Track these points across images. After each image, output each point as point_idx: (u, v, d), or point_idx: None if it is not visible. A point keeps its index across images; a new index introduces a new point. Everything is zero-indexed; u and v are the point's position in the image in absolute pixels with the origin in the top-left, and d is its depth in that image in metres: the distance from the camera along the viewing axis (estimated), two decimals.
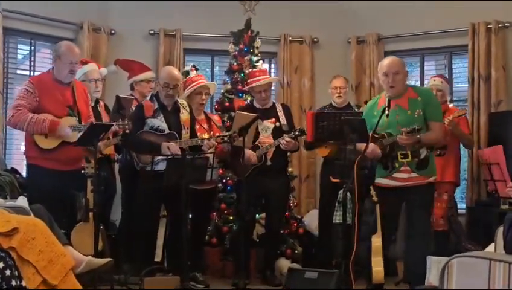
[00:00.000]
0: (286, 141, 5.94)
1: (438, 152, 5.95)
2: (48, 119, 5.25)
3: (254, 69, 6.51)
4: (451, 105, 6.63)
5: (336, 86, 6.70)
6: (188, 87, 6.25)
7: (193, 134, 5.84)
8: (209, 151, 5.68)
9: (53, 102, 5.36)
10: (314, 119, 5.89)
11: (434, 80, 6.55)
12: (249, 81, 6.41)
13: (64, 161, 5.33)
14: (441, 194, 6.22)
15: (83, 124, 5.36)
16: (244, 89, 6.82)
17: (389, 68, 5.17)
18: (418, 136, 4.99)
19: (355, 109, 6.74)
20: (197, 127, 6.03)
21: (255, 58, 7.01)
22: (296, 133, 5.96)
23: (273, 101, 6.61)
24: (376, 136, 5.15)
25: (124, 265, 5.79)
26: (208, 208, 6.33)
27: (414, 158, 5.12)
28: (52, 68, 5.51)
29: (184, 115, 5.81)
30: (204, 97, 6.31)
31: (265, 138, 6.15)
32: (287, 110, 6.40)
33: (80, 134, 5.25)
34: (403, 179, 5.16)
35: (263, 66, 6.72)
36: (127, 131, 5.50)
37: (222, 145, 5.93)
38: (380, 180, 5.24)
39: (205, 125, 6.21)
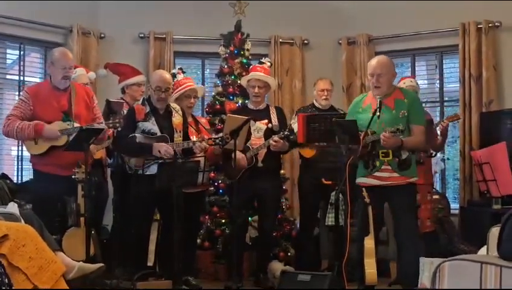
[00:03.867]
0: (275, 141, 5.93)
1: (421, 161, 5.93)
2: (32, 123, 5.26)
3: (258, 65, 6.48)
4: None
5: (323, 89, 6.64)
6: (176, 91, 6.23)
7: (186, 138, 5.80)
8: (200, 154, 5.66)
9: (46, 109, 5.36)
10: (305, 121, 5.89)
11: (411, 81, 6.49)
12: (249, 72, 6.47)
13: (64, 166, 5.31)
14: (425, 195, 6.20)
15: (74, 126, 5.34)
16: (235, 91, 6.84)
17: (373, 69, 5.21)
18: (402, 139, 5.00)
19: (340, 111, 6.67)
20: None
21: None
22: (286, 133, 5.93)
23: (267, 103, 6.59)
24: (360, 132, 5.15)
25: (116, 270, 5.75)
26: (198, 210, 6.30)
27: (395, 158, 5.12)
28: (50, 75, 5.52)
29: (177, 119, 5.78)
30: (192, 100, 6.29)
31: (257, 139, 6.13)
32: (280, 113, 6.39)
33: (71, 137, 5.24)
34: (385, 178, 5.15)
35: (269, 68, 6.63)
36: (119, 128, 5.47)
37: (213, 148, 5.91)
38: (361, 180, 5.21)
39: (193, 127, 6.19)
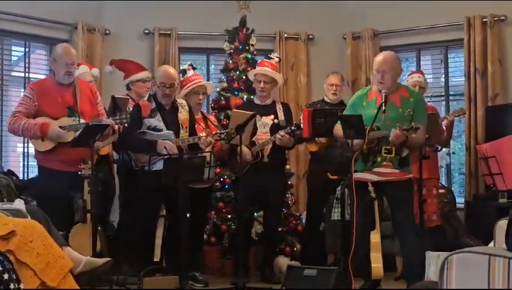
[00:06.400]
0: (281, 136, 5.93)
1: (427, 155, 5.90)
2: (38, 123, 5.26)
3: (266, 60, 6.47)
4: (427, 100, 6.64)
5: (332, 83, 6.66)
6: (185, 87, 6.23)
7: (193, 133, 5.79)
8: (206, 149, 5.67)
9: (51, 104, 5.34)
10: (310, 116, 5.89)
11: (419, 77, 6.49)
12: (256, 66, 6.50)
13: (69, 162, 5.31)
14: (431, 190, 6.18)
15: (80, 122, 5.33)
16: (241, 86, 6.86)
17: (379, 66, 5.19)
18: (413, 135, 4.99)
19: None
20: (196, 126, 6.01)
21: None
22: (292, 128, 5.93)
23: (274, 99, 6.58)
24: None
25: (122, 266, 5.77)
26: (205, 206, 6.31)
27: (396, 155, 5.11)
28: (53, 71, 5.52)
29: (183, 115, 5.77)
30: (201, 97, 6.28)
31: (263, 134, 6.14)
32: (286, 108, 6.38)
33: (77, 133, 5.24)
34: (385, 174, 5.13)
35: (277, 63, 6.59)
36: (126, 125, 5.47)
37: (220, 143, 5.91)
38: (359, 175, 5.18)
39: (202, 124, 6.20)
